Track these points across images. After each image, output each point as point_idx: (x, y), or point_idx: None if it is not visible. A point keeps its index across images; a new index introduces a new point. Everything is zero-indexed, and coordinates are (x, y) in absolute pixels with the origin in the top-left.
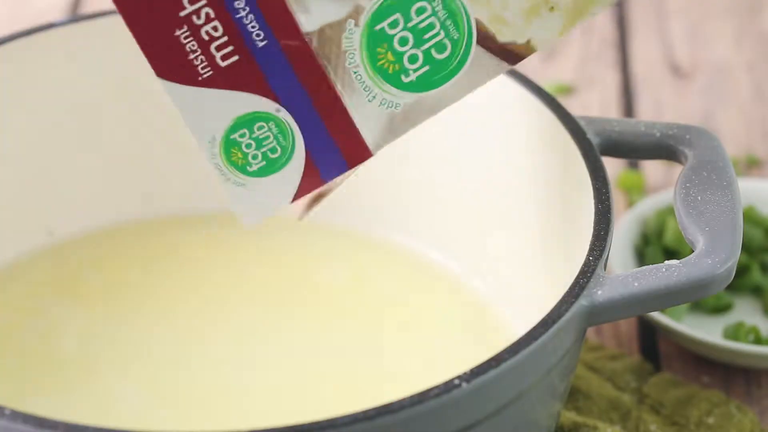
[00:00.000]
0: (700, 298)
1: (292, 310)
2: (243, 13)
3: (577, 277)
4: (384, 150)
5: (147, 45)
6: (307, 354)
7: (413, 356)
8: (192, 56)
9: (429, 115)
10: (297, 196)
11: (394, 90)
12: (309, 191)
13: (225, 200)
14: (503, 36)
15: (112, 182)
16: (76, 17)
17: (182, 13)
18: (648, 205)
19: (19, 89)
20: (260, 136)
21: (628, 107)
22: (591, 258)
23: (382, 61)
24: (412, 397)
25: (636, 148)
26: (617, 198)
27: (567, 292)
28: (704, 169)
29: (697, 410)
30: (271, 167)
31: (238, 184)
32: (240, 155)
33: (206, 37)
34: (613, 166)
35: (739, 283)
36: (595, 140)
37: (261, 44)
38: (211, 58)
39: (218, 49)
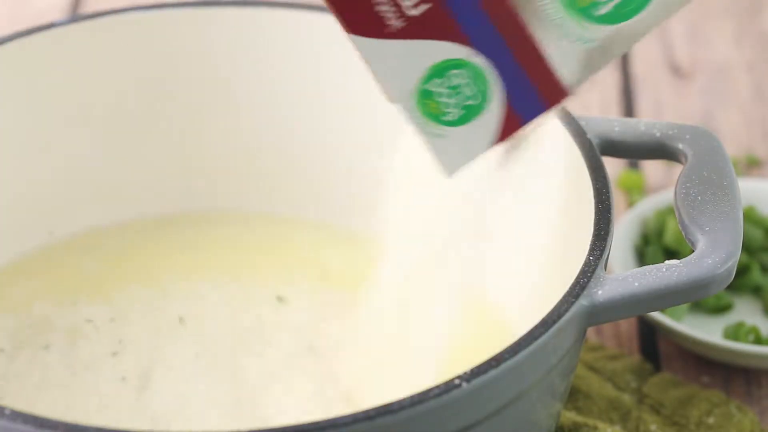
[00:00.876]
0: (700, 298)
1: (293, 304)
2: None
3: (577, 277)
4: (384, 151)
5: (336, 1)
6: (307, 352)
7: (412, 356)
8: (380, 7)
9: (627, 47)
10: (498, 140)
11: (588, 25)
12: (510, 135)
13: (428, 153)
14: None
15: (112, 182)
16: (76, 17)
17: None
18: (648, 205)
19: (19, 89)
20: (456, 84)
21: (628, 107)
22: (591, 258)
23: None
24: (412, 397)
25: (636, 148)
26: (617, 198)
27: (567, 292)
28: (704, 169)
29: (697, 410)
30: (468, 114)
31: (436, 136)
32: (435, 105)
33: None
34: (613, 166)
35: (739, 283)
36: (595, 140)
37: None
38: (399, 7)
39: None
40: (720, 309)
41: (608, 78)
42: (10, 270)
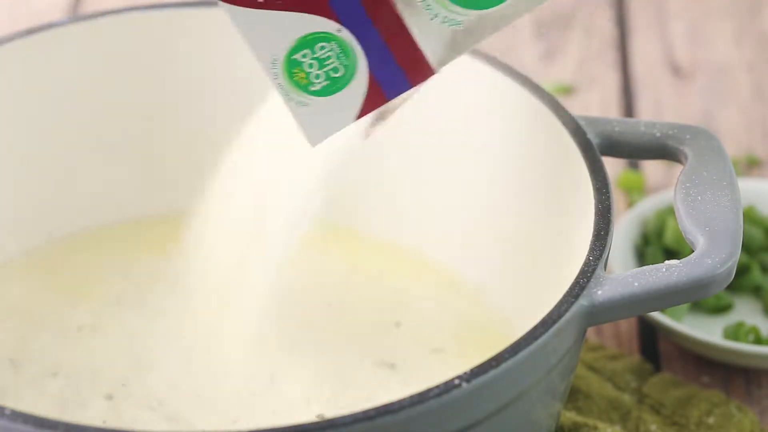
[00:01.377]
0: (700, 298)
1: (292, 305)
2: None
3: (577, 277)
4: (384, 151)
5: None
6: (307, 350)
7: (412, 355)
8: None
9: (492, 31)
10: (361, 114)
11: (455, 7)
12: (373, 109)
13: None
14: None
15: (112, 181)
16: (76, 17)
17: None
18: (648, 205)
19: (19, 89)
20: (322, 56)
21: (628, 107)
22: (591, 258)
23: None
24: (412, 397)
25: (636, 148)
26: (617, 198)
27: (567, 292)
28: (704, 169)
29: (697, 410)
30: (334, 86)
31: (301, 104)
32: (302, 75)
33: None
34: (613, 166)
35: (739, 283)
36: (595, 140)
37: None
38: None
39: None
40: (720, 309)
41: (608, 78)
42: (11, 269)
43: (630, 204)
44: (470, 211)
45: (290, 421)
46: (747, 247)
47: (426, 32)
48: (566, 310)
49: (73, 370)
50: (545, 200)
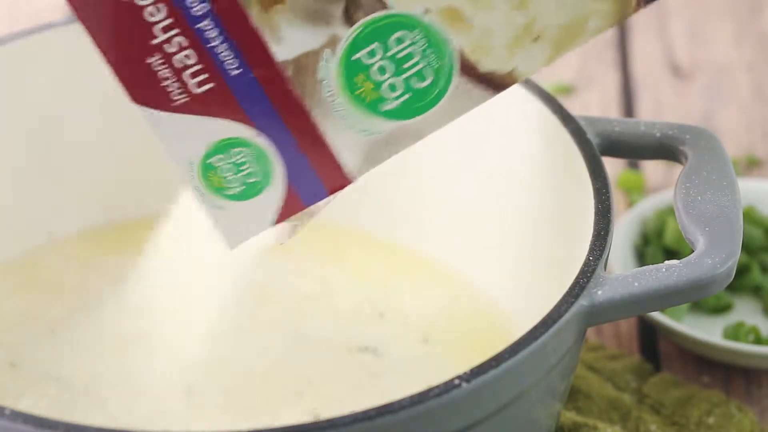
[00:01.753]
0: (700, 298)
1: (293, 306)
2: (216, 43)
3: (577, 277)
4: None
5: (121, 72)
6: (309, 350)
7: (412, 355)
8: (166, 83)
9: (413, 141)
10: (278, 219)
11: (373, 118)
12: (290, 215)
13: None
14: (486, 65)
15: (111, 181)
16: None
17: (154, 42)
18: (648, 205)
19: (18, 89)
20: (238, 161)
21: (628, 107)
22: (591, 258)
23: (360, 90)
24: (412, 397)
25: (636, 148)
26: (617, 198)
27: (567, 292)
28: (704, 169)
29: (697, 410)
30: (250, 191)
31: (217, 207)
32: (218, 179)
33: (179, 65)
34: (613, 166)
35: (739, 283)
36: (595, 140)
37: (235, 72)
38: (185, 85)
39: (193, 76)
40: (720, 309)
41: (608, 78)
42: (10, 268)
43: (630, 204)
44: (469, 210)
45: (285, 419)
46: (747, 247)
47: (343, 142)
48: (566, 310)
49: (68, 372)
50: (545, 200)
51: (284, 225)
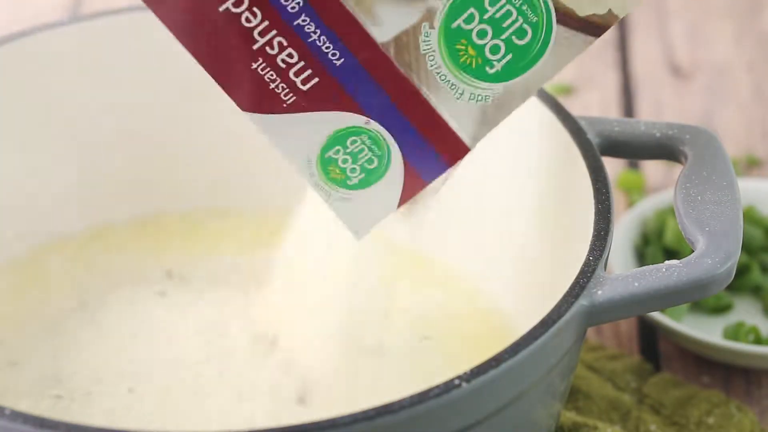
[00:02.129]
0: (700, 298)
1: (303, 307)
2: (315, 36)
3: (577, 277)
4: None
5: (227, 82)
6: (311, 351)
7: (411, 355)
8: (272, 85)
9: (522, 100)
10: (401, 201)
11: (480, 83)
12: (413, 194)
13: (333, 216)
14: (583, 10)
15: (112, 181)
16: (76, 17)
17: (255, 47)
18: (648, 205)
19: (19, 89)
20: (355, 150)
21: (628, 107)
22: (591, 258)
23: (464, 58)
24: (412, 397)
25: (636, 148)
26: (617, 198)
27: (567, 292)
28: (704, 169)
29: (697, 410)
30: (371, 178)
31: (342, 200)
32: (338, 171)
33: (283, 65)
34: (613, 166)
35: (739, 283)
36: (595, 140)
37: (338, 62)
38: (291, 84)
39: (297, 74)
40: (720, 309)
41: (608, 78)
42: (10, 268)
43: (630, 204)
44: (469, 210)
45: (286, 419)
46: (747, 247)
47: (455, 112)
48: (566, 310)
49: (68, 372)
50: (545, 200)
51: (407, 206)
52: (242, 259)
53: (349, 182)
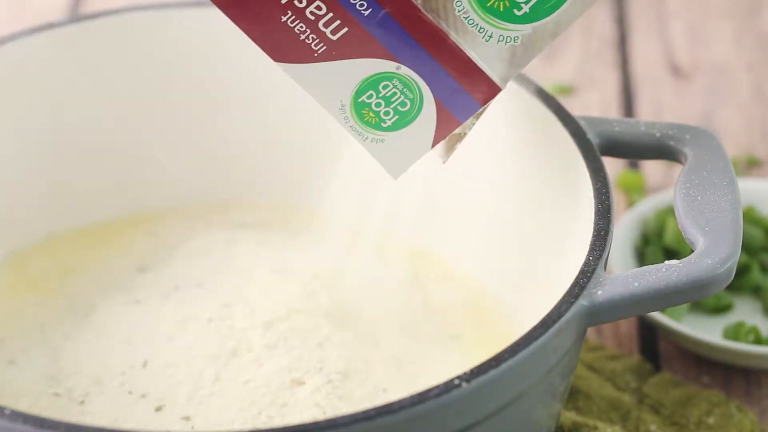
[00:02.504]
0: (700, 298)
1: (304, 302)
2: None
3: (577, 277)
4: None
5: (258, 36)
6: (311, 349)
7: (412, 355)
8: (303, 36)
9: (551, 40)
10: (435, 140)
11: (508, 25)
12: (447, 134)
13: (371, 156)
14: None
15: (111, 181)
16: (76, 17)
17: (284, 0)
18: (648, 205)
19: (19, 89)
20: (387, 94)
21: (628, 107)
22: (591, 258)
23: (491, 1)
24: (412, 397)
25: (636, 148)
26: (617, 198)
27: (567, 292)
28: (704, 169)
29: (697, 410)
30: (404, 119)
31: (377, 141)
32: (372, 114)
33: (312, 17)
34: (613, 166)
35: (739, 283)
36: (595, 140)
37: (366, 12)
38: (321, 35)
39: (326, 25)
40: (720, 309)
41: (608, 78)
42: (10, 267)
43: (630, 204)
44: (469, 210)
45: (287, 419)
46: (747, 247)
47: (484, 54)
48: (566, 310)
49: (68, 372)
50: (545, 200)
51: (442, 145)
52: (242, 257)
53: (383, 125)
